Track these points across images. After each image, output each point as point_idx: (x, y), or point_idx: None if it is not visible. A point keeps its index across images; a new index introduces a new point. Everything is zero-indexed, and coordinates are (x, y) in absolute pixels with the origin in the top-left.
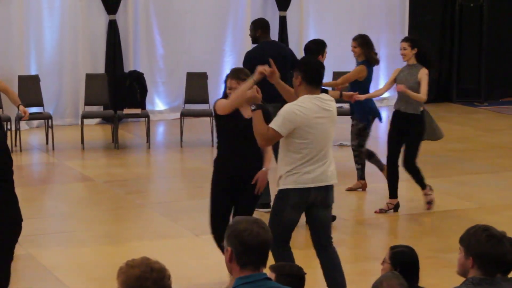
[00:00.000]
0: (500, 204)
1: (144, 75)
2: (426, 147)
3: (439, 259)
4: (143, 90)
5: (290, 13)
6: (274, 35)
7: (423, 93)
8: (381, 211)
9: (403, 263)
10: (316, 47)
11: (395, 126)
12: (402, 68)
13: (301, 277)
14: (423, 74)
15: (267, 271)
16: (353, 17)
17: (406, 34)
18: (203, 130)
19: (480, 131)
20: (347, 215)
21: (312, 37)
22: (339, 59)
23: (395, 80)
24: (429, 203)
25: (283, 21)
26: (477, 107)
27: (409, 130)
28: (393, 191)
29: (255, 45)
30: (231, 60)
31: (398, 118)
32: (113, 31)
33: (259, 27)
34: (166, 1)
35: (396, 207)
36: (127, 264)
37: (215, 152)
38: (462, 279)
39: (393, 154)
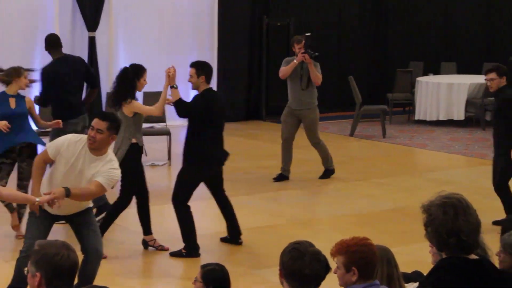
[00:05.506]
0: (310, 218)
1: None
2: (237, 165)
3: (252, 276)
4: None
5: (99, 34)
6: (83, 55)
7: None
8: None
9: (215, 281)
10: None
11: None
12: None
13: None
14: None
15: None
16: (163, 37)
17: (216, 54)
18: None
19: None
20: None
21: (122, 58)
22: (150, 80)
23: None
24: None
25: (92, 42)
26: None
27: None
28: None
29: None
30: None
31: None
32: None
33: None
34: None
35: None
36: None
37: None
38: None
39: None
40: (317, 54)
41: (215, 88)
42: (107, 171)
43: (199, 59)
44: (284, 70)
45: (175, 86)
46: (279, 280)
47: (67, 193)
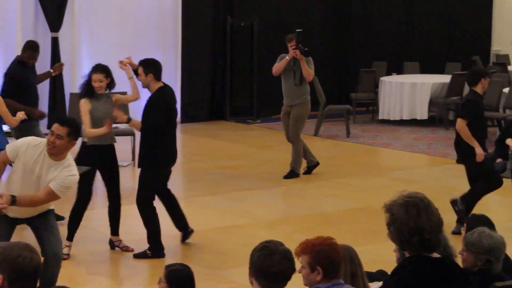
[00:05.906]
0: (274, 218)
1: None
2: (201, 166)
3: (216, 276)
4: None
5: (62, 35)
6: (46, 56)
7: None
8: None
9: (179, 281)
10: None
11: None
12: (92, 101)
13: None
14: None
15: None
16: (127, 38)
17: (180, 53)
18: None
19: (253, 147)
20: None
21: (85, 58)
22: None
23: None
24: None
25: (55, 42)
26: (250, 124)
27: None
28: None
29: None
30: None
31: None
32: None
33: None
34: None
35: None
36: None
37: None
38: None
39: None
40: (306, 49)
41: (179, 87)
42: (62, 177)
43: (164, 60)
44: (277, 67)
45: (129, 120)
46: (248, 279)
47: (13, 201)
